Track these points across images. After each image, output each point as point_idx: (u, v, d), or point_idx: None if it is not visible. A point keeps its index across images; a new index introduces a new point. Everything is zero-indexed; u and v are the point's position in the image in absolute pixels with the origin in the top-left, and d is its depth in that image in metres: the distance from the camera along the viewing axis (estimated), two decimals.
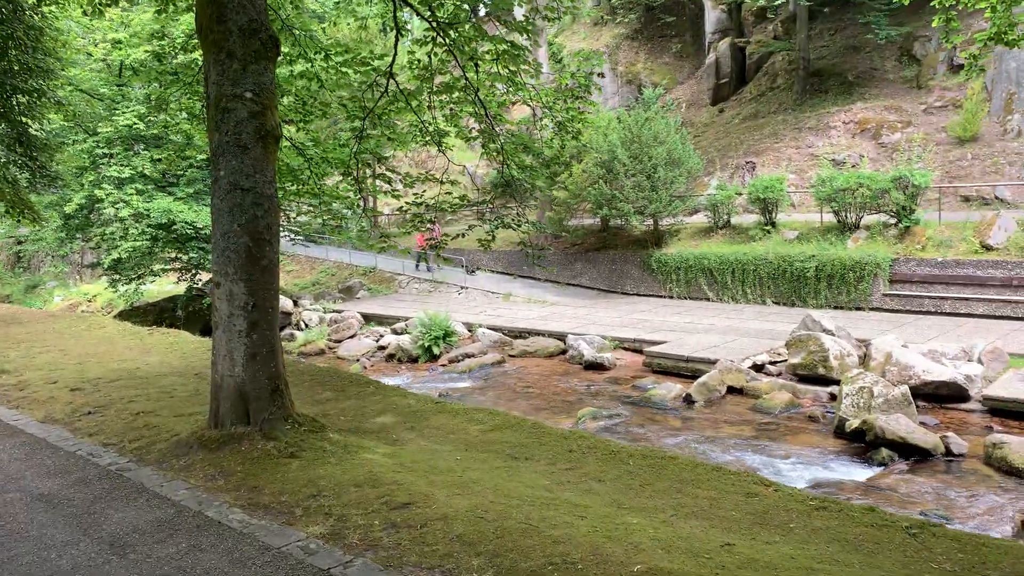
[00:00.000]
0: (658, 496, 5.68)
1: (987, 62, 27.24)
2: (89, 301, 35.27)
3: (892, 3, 27.55)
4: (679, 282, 24.95)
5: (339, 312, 25.76)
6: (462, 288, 29.11)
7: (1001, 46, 7.42)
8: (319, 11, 16.17)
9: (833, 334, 16.24)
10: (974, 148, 25.23)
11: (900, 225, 21.49)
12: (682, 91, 38.43)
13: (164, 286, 31.81)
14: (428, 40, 8.68)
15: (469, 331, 21.83)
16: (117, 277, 25.45)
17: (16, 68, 15.22)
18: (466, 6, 8.36)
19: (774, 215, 24.28)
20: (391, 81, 8.93)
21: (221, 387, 6.80)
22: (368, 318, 25.08)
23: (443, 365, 19.42)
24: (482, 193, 27.78)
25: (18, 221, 20.97)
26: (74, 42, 18.85)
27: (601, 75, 35.68)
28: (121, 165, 23.49)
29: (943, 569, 4.43)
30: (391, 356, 20.69)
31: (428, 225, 9.63)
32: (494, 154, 9.31)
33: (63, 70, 16.01)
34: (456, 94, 8.92)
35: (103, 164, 23.98)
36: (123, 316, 27.60)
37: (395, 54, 8.74)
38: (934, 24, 8.38)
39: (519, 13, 9.94)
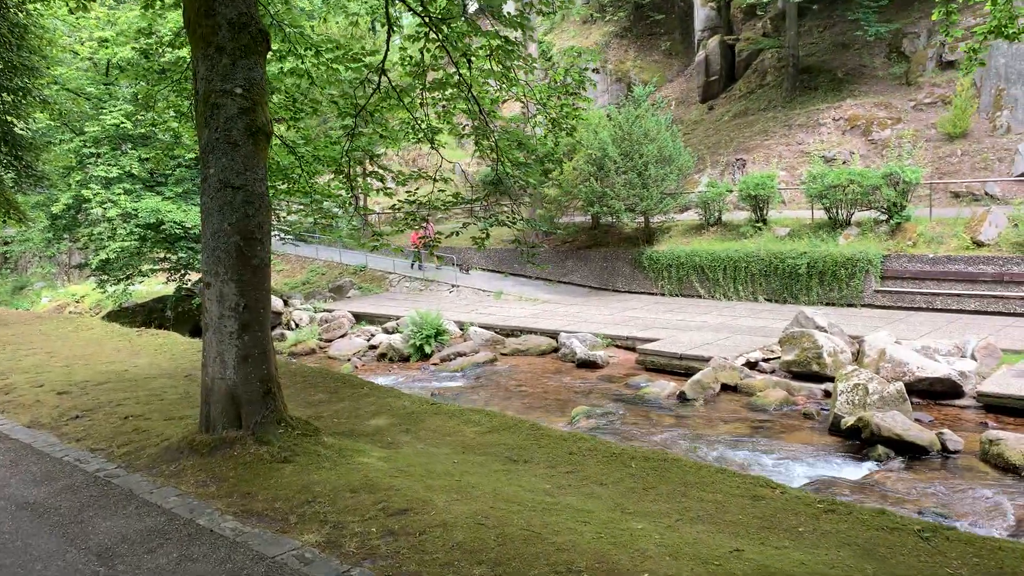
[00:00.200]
0: (662, 500, 5.55)
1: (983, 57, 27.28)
2: (77, 302, 34.94)
3: (881, 0, 27.58)
4: (671, 279, 24.89)
5: (330, 311, 25.59)
6: (453, 286, 28.97)
7: (1000, 40, 7.35)
8: (308, 8, 15.99)
9: (826, 331, 16.21)
10: (964, 144, 25.26)
11: (891, 221, 21.48)
12: (671, 89, 38.38)
13: (153, 286, 31.53)
14: (420, 36, 8.55)
15: (461, 330, 21.71)
16: (105, 278, 25.19)
17: (0, 66, 15.00)
18: (458, 1, 8.22)
19: (765, 212, 24.26)
20: (383, 78, 8.78)
21: (212, 390, 6.63)
22: (359, 317, 24.92)
23: (435, 364, 19.29)
24: (475, 191, 27.69)
25: (3, 222, 20.70)
26: (60, 40, 18.60)
27: (596, 71, 35.68)
28: (108, 165, 23.24)
29: (959, 575, 4.33)
30: (382, 355, 20.54)
31: (421, 223, 9.49)
32: (488, 151, 9.18)
33: (48, 68, 15.77)
34: (449, 91, 8.78)
35: (90, 164, 23.72)
36: (111, 317, 27.34)
37: (387, 50, 8.59)
38: (933, 17, 8.30)
39: (509, 8, 9.79)
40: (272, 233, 6.85)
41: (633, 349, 18.30)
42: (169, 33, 10.29)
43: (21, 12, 14.61)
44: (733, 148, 30.55)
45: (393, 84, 8.97)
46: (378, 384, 10.68)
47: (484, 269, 31.32)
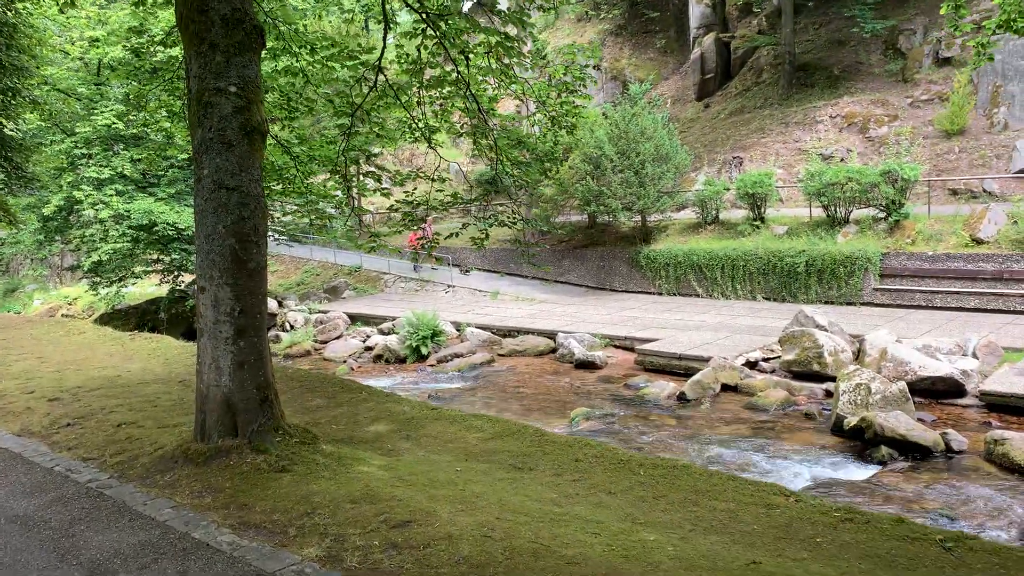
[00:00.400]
0: (673, 509, 5.38)
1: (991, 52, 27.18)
2: (70, 304, 34.65)
3: None
4: (668, 278, 24.75)
5: (325, 312, 25.39)
6: (449, 287, 28.79)
7: (1000, 36, 7.21)
8: (302, 7, 15.78)
9: (826, 330, 16.09)
10: (961, 141, 25.17)
11: (890, 219, 21.37)
12: (667, 87, 38.24)
13: (146, 288, 31.29)
14: (417, 32, 8.36)
15: (457, 330, 21.53)
16: (98, 279, 24.95)
17: None
18: None
19: (763, 210, 24.13)
20: (380, 75, 8.59)
21: (207, 397, 6.43)
22: (354, 318, 24.72)
23: (432, 365, 19.12)
24: (472, 191, 27.49)
25: None
26: (50, 40, 18.36)
27: (597, 67, 35.44)
28: (100, 166, 22.98)
29: None
30: (378, 357, 20.35)
31: (420, 224, 9.30)
32: (486, 150, 9.00)
33: (38, 68, 15.53)
34: (447, 88, 8.59)
35: (82, 165, 23.46)
36: (104, 319, 27.12)
37: (384, 47, 8.40)
38: (942, 11, 8.15)
39: (504, 4, 9.61)
40: (267, 234, 6.66)
41: (632, 349, 18.15)
42: (161, 32, 10.09)
43: (9, 11, 14.38)
44: (730, 146, 30.42)
45: (390, 82, 8.78)
46: (377, 389, 10.48)
47: (480, 269, 31.15)
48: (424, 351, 19.78)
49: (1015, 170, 22.89)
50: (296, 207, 19.19)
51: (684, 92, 37.20)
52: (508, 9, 8.01)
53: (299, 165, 9.64)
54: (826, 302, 21.04)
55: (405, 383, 17.48)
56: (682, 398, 14.44)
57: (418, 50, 8.62)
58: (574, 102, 8.99)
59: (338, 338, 22.87)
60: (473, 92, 8.52)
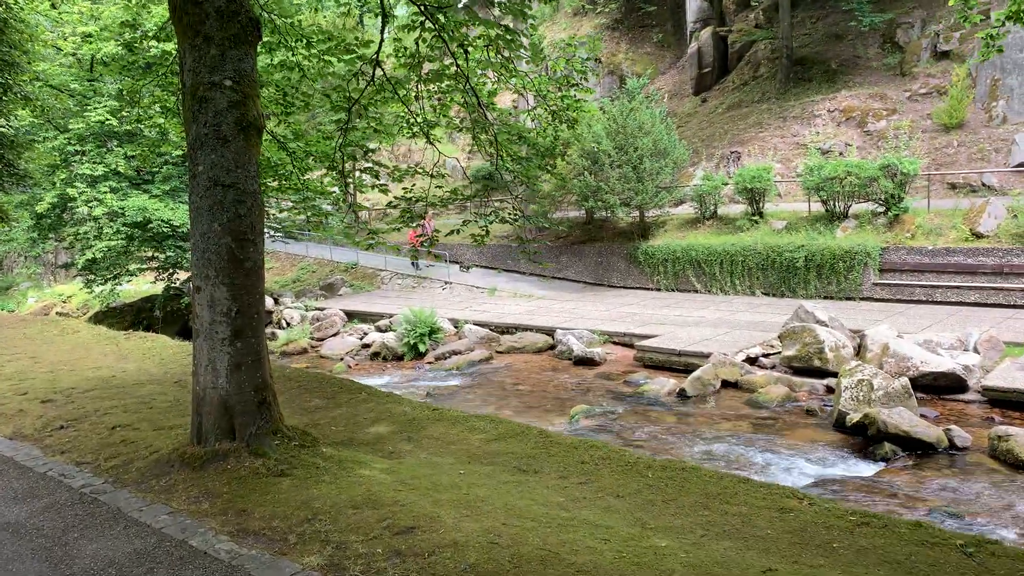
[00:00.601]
0: (684, 513, 5.24)
1: (971, 48, 27.10)
2: (64, 302, 34.42)
3: None
4: (666, 274, 24.63)
5: (321, 309, 25.23)
6: (446, 283, 28.64)
7: (1020, 26, 7.09)
8: (298, 1, 15.60)
9: (827, 325, 15.99)
10: (960, 135, 25.07)
11: (889, 213, 21.26)
12: (664, 81, 38.09)
13: (141, 286, 31.07)
14: (416, 25, 8.20)
15: (455, 328, 21.39)
16: (92, 277, 24.72)
17: None
18: None
19: (761, 205, 24.00)
20: (377, 69, 8.42)
21: (204, 400, 6.27)
22: (351, 315, 24.57)
23: (430, 363, 18.97)
24: (471, 186, 27.29)
25: None
26: (42, 36, 18.13)
27: (598, 60, 35.21)
28: (94, 162, 22.76)
29: None
30: (376, 354, 20.20)
31: (419, 220, 9.14)
32: (486, 145, 8.85)
33: (30, 63, 15.32)
34: (446, 82, 8.42)
35: (75, 162, 23.23)
36: (99, 317, 26.93)
37: (382, 40, 8.23)
38: (951, 2, 8.02)
39: None
40: (264, 232, 6.50)
41: (631, 345, 18.04)
42: (154, 27, 9.90)
43: (0, 6, 14.17)
44: (727, 141, 30.29)
45: (388, 76, 8.62)
46: (376, 389, 10.31)
47: (477, 265, 31.00)
48: (422, 348, 19.63)
49: (1014, 164, 22.80)
50: (292, 204, 19.02)
51: (681, 87, 37.06)
52: (507, 1, 7.85)
53: (295, 161, 9.48)
54: (825, 297, 20.95)
55: (403, 381, 17.34)
56: (682, 395, 14.33)
57: (416, 44, 8.46)
58: (575, 96, 8.84)
59: (335, 335, 22.72)
60: (473, 86, 8.36)
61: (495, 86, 9.20)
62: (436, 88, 8.89)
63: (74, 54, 22.11)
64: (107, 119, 21.51)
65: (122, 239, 22.76)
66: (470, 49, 8.32)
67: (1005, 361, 13.92)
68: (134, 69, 9.80)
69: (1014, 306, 18.09)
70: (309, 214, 9.88)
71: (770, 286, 22.23)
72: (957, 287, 19.13)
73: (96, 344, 14.28)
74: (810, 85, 30.81)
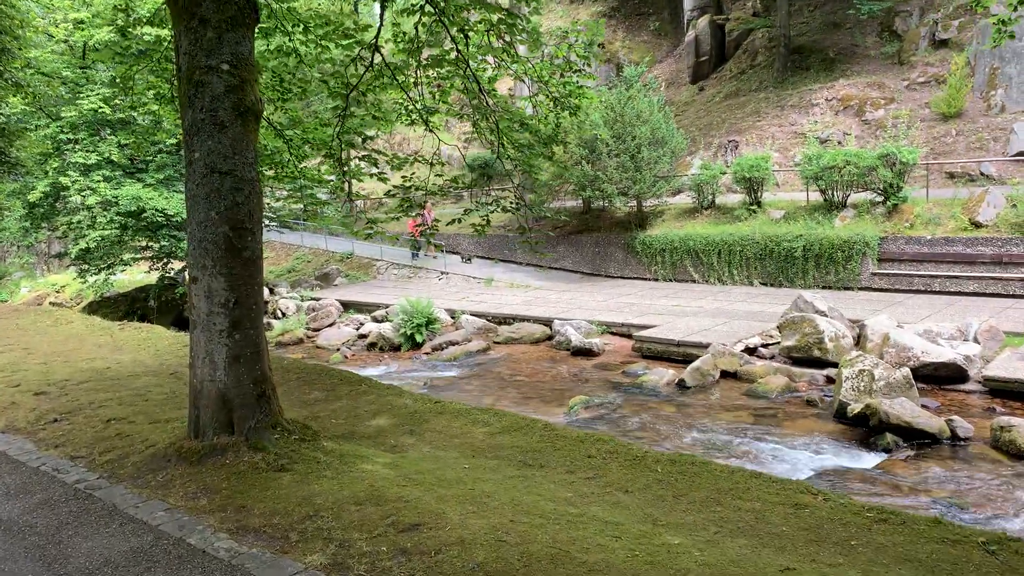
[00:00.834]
0: (696, 509, 5.11)
1: (970, 36, 26.97)
2: (57, 292, 34.17)
3: None
4: (664, 264, 24.51)
5: (317, 300, 25.06)
6: (443, 273, 28.48)
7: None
8: None
9: (826, 315, 15.90)
10: (958, 124, 24.95)
11: (888, 203, 21.14)
12: (661, 69, 37.88)
13: (135, 276, 30.85)
14: (416, 9, 8.02)
15: (452, 318, 21.26)
16: (86, 267, 24.51)
17: None
18: None
19: (759, 194, 23.87)
20: (376, 55, 8.24)
21: (201, 393, 6.11)
22: (347, 305, 24.41)
23: (427, 353, 18.85)
24: (468, 175, 27.05)
25: None
26: (34, 22, 17.87)
27: (601, 45, 34.95)
28: (87, 151, 22.51)
29: None
30: (372, 345, 20.07)
31: (418, 210, 8.98)
32: (487, 133, 8.68)
33: (20, 50, 15.07)
34: (446, 68, 8.24)
35: (68, 150, 22.98)
36: (93, 307, 26.74)
37: (381, 24, 8.05)
38: None
39: None
40: (263, 221, 6.32)
41: (629, 336, 17.93)
42: (148, 12, 9.69)
43: None
44: (725, 130, 30.14)
45: (387, 62, 8.43)
46: (377, 381, 10.15)
47: (474, 255, 30.84)
48: (419, 339, 19.50)
49: (1013, 153, 22.70)
50: (288, 192, 18.79)
51: (678, 75, 36.86)
52: None
53: (292, 149, 9.30)
54: (824, 287, 20.86)
55: (400, 371, 17.24)
56: (681, 385, 14.25)
57: (416, 28, 8.29)
58: (577, 82, 8.68)
59: (331, 326, 22.58)
60: (474, 71, 8.19)
61: (495, 72, 9.02)
62: (436, 74, 8.72)
63: (66, 41, 21.84)
64: (100, 107, 21.27)
65: (116, 228, 22.55)
66: (470, 34, 8.15)
67: (1005, 351, 13.86)
68: (127, 56, 9.60)
69: (1013, 296, 18.02)
70: (306, 203, 9.71)
71: (768, 276, 22.13)
72: (956, 277, 19.04)
73: (90, 335, 14.09)
74: (808, 74, 30.65)
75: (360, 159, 8.71)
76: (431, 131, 8.87)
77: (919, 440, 10.86)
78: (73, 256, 23.92)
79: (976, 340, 14.32)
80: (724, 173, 25.02)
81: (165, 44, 9.10)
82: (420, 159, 9.00)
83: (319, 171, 9.96)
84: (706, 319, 17.93)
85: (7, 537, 5.12)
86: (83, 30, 19.02)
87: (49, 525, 5.29)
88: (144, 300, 26.88)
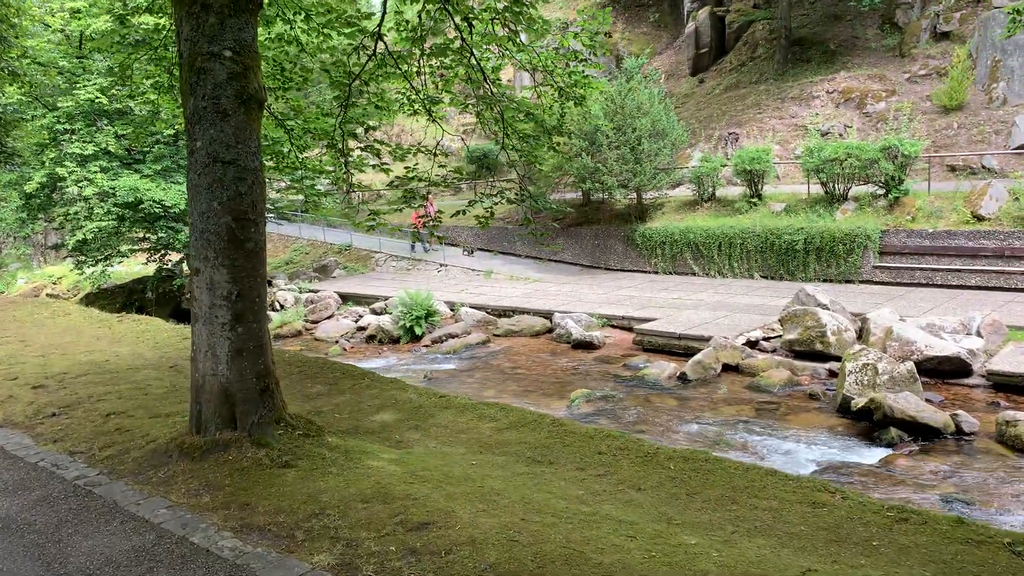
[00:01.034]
0: (711, 508, 5.00)
1: (972, 29, 26.83)
2: (54, 283, 34.00)
3: None
4: (664, 257, 24.40)
5: (315, 292, 24.91)
6: (442, 266, 28.36)
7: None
8: None
9: (828, 308, 15.81)
10: (960, 117, 24.83)
11: (889, 196, 21.04)
12: (660, 61, 37.68)
13: (132, 267, 30.69)
14: None
15: (451, 310, 21.14)
16: (83, 259, 24.33)
17: None
18: None
19: (760, 187, 23.75)
20: (379, 43, 8.10)
21: (203, 387, 5.98)
22: (345, 297, 24.28)
23: (426, 346, 18.73)
24: (467, 166, 26.88)
25: None
26: (30, 10, 17.65)
27: (608, 35, 34.73)
28: (84, 141, 22.31)
29: None
30: (371, 337, 19.94)
31: (421, 201, 8.85)
32: (491, 123, 8.54)
33: (17, 39, 14.88)
34: (450, 56, 8.10)
35: (64, 140, 22.78)
36: (90, 299, 26.59)
37: (384, 12, 7.91)
38: None
39: None
40: (266, 212, 6.19)
41: (629, 329, 17.84)
42: (145, 0, 9.52)
43: None
44: (725, 122, 29.99)
45: (389, 50, 8.28)
46: (379, 375, 10.02)
47: (473, 247, 30.71)
48: (418, 331, 19.38)
49: (1015, 146, 22.60)
50: (287, 183, 18.61)
51: (678, 67, 36.68)
52: None
53: (293, 139, 9.15)
54: (824, 280, 20.78)
55: (400, 364, 17.13)
56: (683, 378, 14.16)
57: (419, 16, 8.14)
58: (583, 71, 8.54)
59: (329, 318, 22.45)
60: (478, 60, 8.05)
61: (499, 61, 8.89)
62: (439, 63, 8.57)
63: (62, 30, 21.62)
64: (97, 97, 21.08)
65: (113, 219, 22.39)
66: (474, 23, 8.00)
67: (1009, 345, 13.79)
68: (126, 44, 9.44)
69: (1015, 289, 17.95)
70: (307, 194, 9.58)
71: (769, 269, 22.03)
72: (958, 270, 18.97)
73: (88, 327, 13.94)
74: (808, 66, 30.49)
75: (363, 149, 8.57)
76: (434, 121, 8.74)
77: (924, 435, 10.79)
78: (70, 247, 23.75)
79: (979, 334, 14.25)
80: (724, 165, 24.90)
81: (164, 32, 8.95)
82: (423, 149, 8.86)
83: (320, 162, 9.80)
84: (707, 312, 17.84)
85: (5, 535, 4.99)
86: (80, 19, 18.82)
87: (48, 523, 5.16)
88: (141, 292, 26.74)
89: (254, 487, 5.26)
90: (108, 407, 8.08)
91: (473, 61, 8.14)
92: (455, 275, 27.33)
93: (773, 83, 30.72)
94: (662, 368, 14.69)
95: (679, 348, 15.95)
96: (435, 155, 8.62)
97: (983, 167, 22.75)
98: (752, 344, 15.79)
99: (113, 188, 21.97)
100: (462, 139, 11.24)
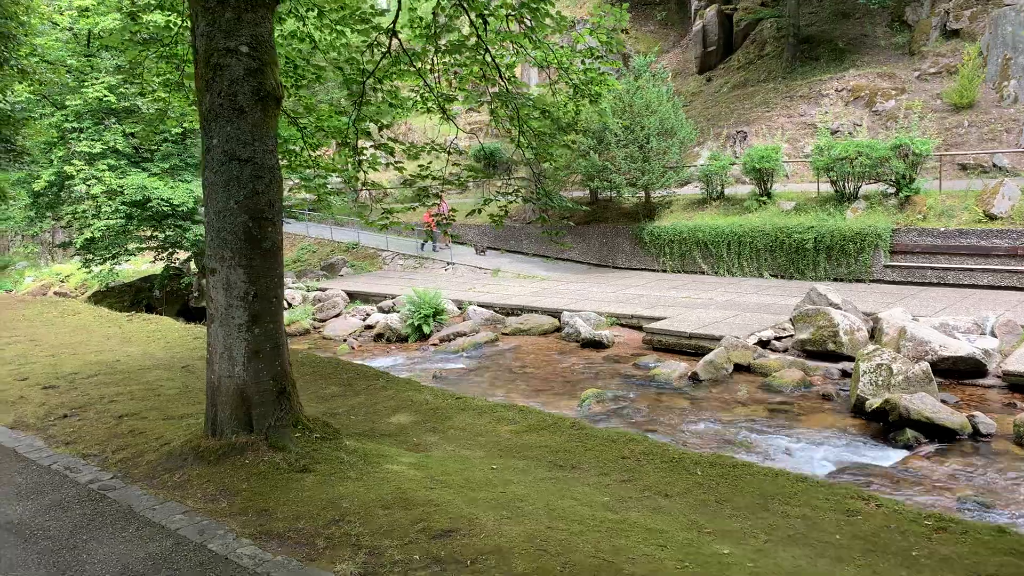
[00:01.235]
0: (741, 515, 4.88)
1: (982, 26, 26.64)
2: (62, 281, 33.97)
3: None
4: (673, 255, 24.27)
5: (323, 290, 24.84)
6: (449, 264, 28.26)
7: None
8: None
9: (840, 308, 15.67)
10: (970, 115, 24.66)
11: (900, 195, 20.89)
12: (668, 60, 37.52)
13: (139, 265, 30.65)
14: None
15: (459, 309, 21.04)
16: (90, 257, 24.29)
17: None
18: None
19: (769, 186, 23.61)
20: (394, 40, 7.98)
21: (219, 389, 5.87)
22: (353, 296, 24.20)
23: (434, 345, 18.64)
24: (474, 165, 26.73)
25: None
26: (38, 8, 17.55)
27: (625, 31, 34.56)
28: (92, 140, 22.26)
29: None
30: (379, 336, 19.86)
31: (435, 200, 8.75)
32: (507, 121, 8.43)
33: (26, 36, 14.78)
34: (466, 53, 7.98)
35: (73, 139, 22.73)
36: (98, 297, 26.57)
37: (399, 9, 7.79)
38: None
39: None
40: (283, 211, 6.06)
41: (639, 328, 17.73)
42: None
43: None
44: (733, 120, 29.85)
45: (404, 47, 8.17)
46: (393, 375, 9.90)
47: (481, 246, 30.61)
48: (426, 330, 19.29)
49: None
50: (296, 181, 18.49)
51: (685, 66, 36.52)
52: None
53: (306, 137, 9.05)
54: (835, 279, 20.63)
55: (409, 363, 17.04)
56: (695, 378, 14.05)
57: (434, 13, 8.04)
58: (599, 68, 8.43)
59: (337, 316, 22.36)
60: (494, 58, 7.93)
61: (513, 58, 8.77)
62: (453, 60, 8.46)
63: (70, 28, 21.56)
64: (105, 95, 21.02)
65: (121, 218, 22.34)
66: (489, 19, 7.89)
67: (1023, 345, 13.66)
68: (133, 43, 9.33)
69: None
70: (320, 192, 9.47)
71: (779, 268, 21.90)
72: (970, 269, 18.81)
73: (98, 326, 13.84)
74: (817, 64, 30.32)
75: (375, 148, 8.47)
76: (449, 119, 8.63)
77: (940, 436, 10.69)
78: (78, 246, 23.71)
79: (993, 334, 14.12)
80: (733, 164, 24.76)
81: (175, 30, 8.85)
82: (437, 148, 8.74)
83: (332, 160, 9.69)
84: (717, 311, 17.72)
85: (19, 541, 4.87)
86: (88, 17, 18.71)
87: (62, 529, 5.05)
88: (149, 290, 26.72)
89: (272, 492, 5.15)
90: (120, 408, 7.97)
91: (488, 58, 8.02)
92: (462, 273, 27.23)
93: (781, 81, 30.56)
94: (673, 368, 14.58)
95: (690, 347, 15.84)
96: (448, 153, 8.52)
97: (994, 165, 22.59)
98: (763, 344, 15.67)
99: (121, 186, 21.93)
100: (474, 137, 11.10)
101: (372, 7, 8.26)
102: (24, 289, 33.99)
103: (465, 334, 18.80)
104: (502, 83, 8.12)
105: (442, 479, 5.38)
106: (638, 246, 25.34)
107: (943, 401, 11.79)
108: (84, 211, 22.79)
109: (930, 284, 19.27)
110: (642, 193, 25.78)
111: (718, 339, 15.27)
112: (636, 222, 25.61)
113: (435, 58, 8.45)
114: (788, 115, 28.56)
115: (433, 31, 8.12)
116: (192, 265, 26.34)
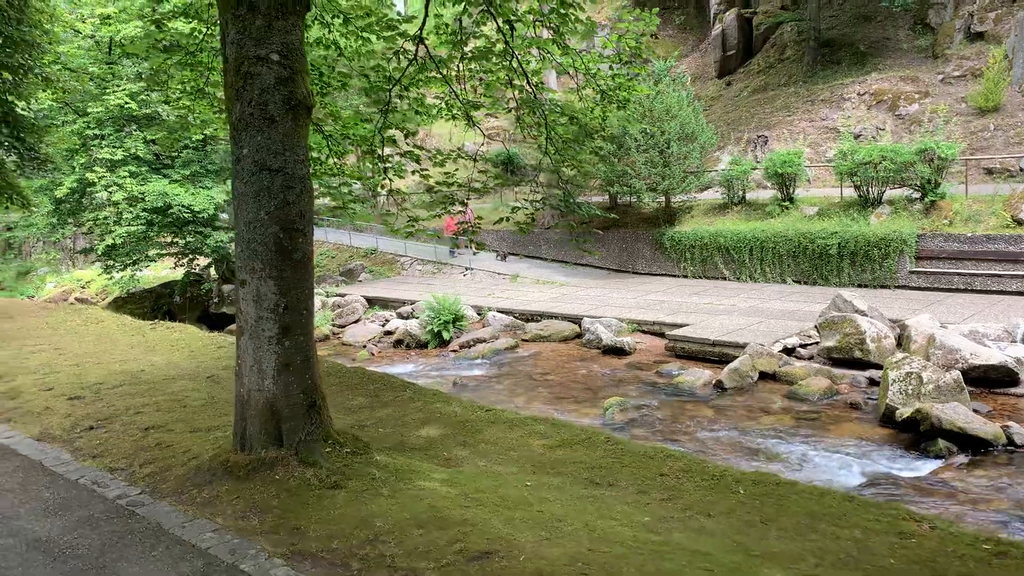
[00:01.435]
0: (789, 537, 4.73)
1: (1007, 28, 26.30)
2: (83, 287, 34.18)
3: None
4: (694, 261, 24.08)
5: (342, 296, 24.80)
6: (467, 269, 28.17)
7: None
8: None
9: (866, 315, 15.43)
10: (996, 118, 24.34)
11: (925, 200, 20.64)
12: (687, 64, 37.33)
13: (160, 271, 30.77)
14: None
15: (479, 315, 20.94)
16: (111, 263, 24.42)
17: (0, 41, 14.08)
18: None
19: (792, 190, 23.39)
20: (421, 47, 7.90)
21: (248, 403, 5.77)
22: (372, 302, 24.16)
23: (454, 351, 18.53)
24: (489, 171, 26.59)
25: (7, 207, 19.88)
26: (61, 17, 17.66)
27: (655, 36, 34.41)
28: (113, 147, 22.39)
29: None
30: (399, 342, 19.77)
31: (459, 207, 8.65)
32: (534, 127, 8.32)
33: (49, 44, 14.86)
34: (494, 59, 7.88)
35: (94, 146, 22.87)
36: (118, 303, 26.67)
37: (425, 15, 7.71)
38: None
39: None
40: (313, 221, 5.96)
41: (661, 335, 17.54)
42: (180, 3, 9.38)
43: None
44: (754, 125, 29.62)
45: (431, 54, 8.09)
46: (421, 386, 9.77)
47: (498, 252, 30.51)
48: (446, 336, 19.19)
49: None
50: (317, 186, 18.51)
51: (705, 70, 36.32)
52: None
53: (332, 145, 8.98)
54: (859, 285, 20.39)
55: (428, 369, 16.94)
56: (719, 386, 13.88)
57: (459, 20, 7.94)
58: (628, 74, 8.31)
59: (356, 322, 22.32)
60: (521, 64, 7.83)
61: (539, 65, 8.67)
62: (479, 67, 8.36)
63: (92, 36, 21.68)
64: (126, 103, 21.12)
65: (142, 224, 22.43)
66: (517, 25, 7.78)
67: None
68: (155, 51, 9.29)
69: None
70: (346, 201, 9.38)
71: (801, 274, 21.67)
72: (998, 275, 18.54)
73: (121, 335, 13.80)
74: (838, 68, 30.06)
75: (401, 155, 8.39)
76: (475, 126, 8.53)
77: (973, 447, 10.48)
78: (99, 252, 23.83)
79: None
80: (755, 168, 24.55)
81: (200, 37, 8.80)
82: (464, 156, 8.64)
83: (358, 167, 9.62)
84: (740, 318, 17.51)
85: (47, 560, 4.78)
86: (109, 25, 18.82)
87: (92, 547, 4.94)
88: (169, 296, 26.81)
89: (303, 509, 5.04)
90: (147, 420, 7.90)
91: (515, 64, 7.92)
92: (481, 279, 27.13)
93: (802, 85, 30.32)
94: (697, 376, 14.41)
95: (713, 355, 15.66)
96: (475, 160, 8.42)
97: (1021, 169, 22.28)
98: (788, 351, 15.46)
99: (142, 193, 22.04)
100: (491, 142, 11.00)
101: (399, 14, 8.18)
102: (45, 295, 34.21)
103: (485, 340, 18.68)
104: (529, 89, 8.01)
105: (476, 497, 5.26)
106: (658, 251, 25.17)
107: (975, 411, 11.56)
108: (105, 217, 22.92)
109: (957, 290, 19.01)
110: (662, 198, 25.62)
111: (742, 346, 15.09)
112: (656, 227, 25.44)
113: (461, 64, 8.36)
114: (809, 119, 28.31)
115: (459, 37, 8.03)
116: (212, 271, 26.40)
